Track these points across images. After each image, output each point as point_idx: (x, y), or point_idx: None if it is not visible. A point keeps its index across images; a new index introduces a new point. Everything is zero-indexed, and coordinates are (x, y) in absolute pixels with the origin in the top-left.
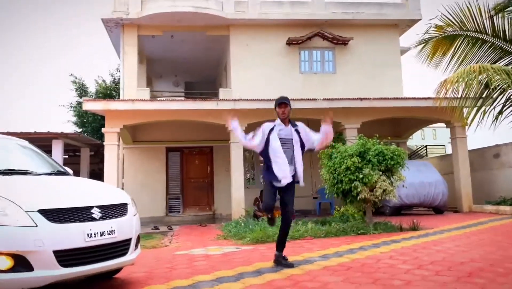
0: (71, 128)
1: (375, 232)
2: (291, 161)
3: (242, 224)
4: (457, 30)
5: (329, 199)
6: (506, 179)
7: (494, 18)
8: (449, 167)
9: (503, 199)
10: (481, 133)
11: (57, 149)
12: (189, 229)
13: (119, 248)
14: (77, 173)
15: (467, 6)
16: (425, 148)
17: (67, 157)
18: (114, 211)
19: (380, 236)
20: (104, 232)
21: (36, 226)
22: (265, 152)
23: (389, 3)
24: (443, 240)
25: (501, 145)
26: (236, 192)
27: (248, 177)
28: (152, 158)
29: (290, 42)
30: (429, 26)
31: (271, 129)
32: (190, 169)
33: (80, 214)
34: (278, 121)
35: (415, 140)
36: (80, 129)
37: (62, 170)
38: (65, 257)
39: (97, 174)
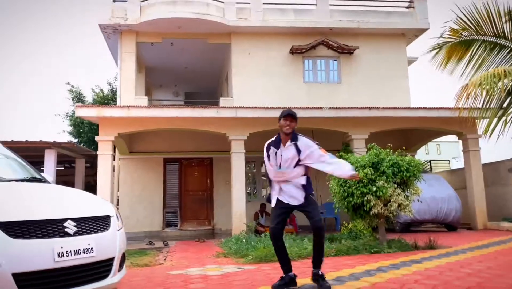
0: (66, 138)
1: (389, 250)
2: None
3: (244, 240)
4: (474, 35)
5: (335, 214)
6: None
7: None
8: (461, 181)
9: None
10: (488, 146)
11: (50, 159)
12: (186, 245)
13: (99, 269)
14: (71, 185)
15: (485, 8)
16: (429, 163)
17: (62, 168)
18: (93, 224)
19: (396, 255)
20: (80, 250)
21: None
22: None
23: (396, 11)
24: (469, 260)
25: None
26: (237, 206)
27: (249, 190)
28: (149, 169)
29: (293, 51)
30: (444, 29)
31: (268, 147)
32: (189, 181)
33: (50, 228)
34: (277, 138)
35: (419, 155)
36: (76, 140)
37: (38, 177)
38: (28, 281)
39: (92, 186)
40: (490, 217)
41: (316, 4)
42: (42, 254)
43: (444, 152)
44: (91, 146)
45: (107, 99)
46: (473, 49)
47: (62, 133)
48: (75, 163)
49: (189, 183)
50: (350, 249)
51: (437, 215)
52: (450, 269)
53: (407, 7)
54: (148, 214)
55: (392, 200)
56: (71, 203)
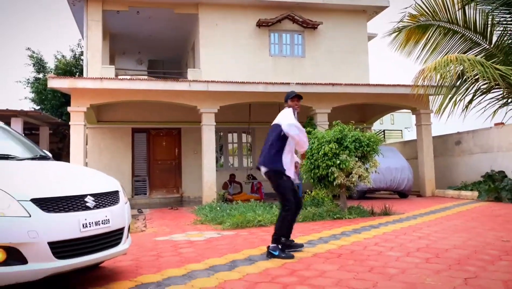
0: (28, 105)
1: (350, 216)
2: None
3: (218, 208)
4: (430, 20)
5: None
6: (466, 165)
7: (466, 8)
8: (413, 152)
9: (464, 184)
10: (439, 120)
11: (17, 128)
12: (160, 212)
13: (113, 237)
14: None
15: None
16: (383, 132)
17: (23, 135)
18: (107, 199)
19: (356, 220)
20: (99, 221)
21: (30, 216)
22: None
23: None
24: (419, 225)
25: (462, 133)
26: (208, 175)
27: (216, 159)
28: (118, 139)
29: (260, 24)
30: (403, 15)
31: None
32: (157, 150)
33: (74, 203)
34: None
35: (374, 125)
36: (39, 107)
37: (43, 154)
38: (60, 248)
39: (57, 153)
40: (438, 185)
41: None
42: (70, 225)
43: (397, 122)
44: (55, 113)
45: (70, 66)
46: (429, 33)
47: (24, 100)
48: (39, 130)
49: (157, 153)
50: (315, 216)
51: (391, 183)
52: (404, 233)
53: None
54: None
55: (353, 172)
56: (86, 180)
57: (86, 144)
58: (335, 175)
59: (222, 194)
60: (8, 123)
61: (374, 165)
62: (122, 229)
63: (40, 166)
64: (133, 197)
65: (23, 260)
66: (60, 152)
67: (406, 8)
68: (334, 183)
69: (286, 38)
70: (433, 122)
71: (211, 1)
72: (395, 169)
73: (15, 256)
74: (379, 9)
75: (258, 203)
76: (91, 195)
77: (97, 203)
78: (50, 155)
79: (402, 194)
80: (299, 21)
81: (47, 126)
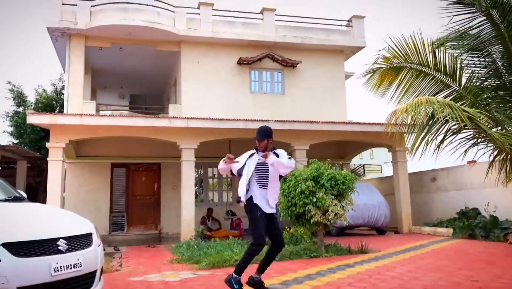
0: (6, 139)
1: (327, 254)
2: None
3: (195, 246)
4: (403, 62)
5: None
6: (442, 201)
7: (436, 52)
8: (390, 188)
9: (440, 220)
10: (412, 159)
11: None
12: (137, 250)
13: (85, 281)
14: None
15: (412, 39)
16: (362, 167)
17: (0, 169)
18: (80, 242)
19: (333, 259)
20: (71, 265)
21: (0, 261)
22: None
23: (336, 29)
24: (394, 264)
25: (438, 170)
26: (186, 213)
27: (196, 194)
28: (96, 174)
29: (241, 62)
30: (377, 57)
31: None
32: (136, 185)
33: (46, 247)
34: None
35: (353, 160)
36: (17, 141)
37: (18, 195)
38: None
39: (34, 188)
40: (414, 221)
41: (262, 19)
42: (41, 270)
43: (376, 157)
44: (33, 147)
45: (51, 100)
46: (402, 75)
47: (2, 134)
48: (17, 164)
49: (136, 188)
50: (292, 254)
51: (369, 220)
52: (378, 272)
53: (346, 25)
54: (94, 217)
55: (330, 210)
56: (60, 223)
57: (65, 179)
58: (312, 213)
59: (200, 231)
60: None
61: (350, 203)
62: (94, 272)
63: (13, 209)
64: (110, 233)
65: None
66: (38, 186)
67: (380, 50)
68: (311, 221)
69: (266, 75)
70: (408, 160)
71: (193, 39)
72: (372, 206)
73: None
74: (356, 49)
75: (236, 240)
76: (63, 238)
77: (70, 246)
78: (24, 195)
79: (380, 230)
80: (279, 60)
81: (24, 160)
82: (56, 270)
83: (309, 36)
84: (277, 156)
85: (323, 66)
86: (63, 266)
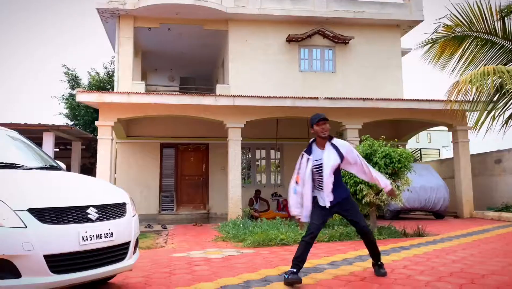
0: (62, 120)
1: (380, 237)
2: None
3: (241, 225)
4: (466, 31)
5: None
6: (508, 185)
7: (506, 20)
8: (449, 171)
9: (505, 205)
10: (477, 138)
11: (48, 142)
12: (184, 228)
13: (117, 252)
14: (68, 168)
15: (477, 6)
16: (419, 151)
17: (57, 150)
18: (112, 211)
19: (386, 241)
20: (101, 234)
21: (25, 227)
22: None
23: (391, 2)
24: (454, 248)
25: (503, 151)
26: (233, 192)
27: (244, 176)
28: (146, 154)
29: (290, 39)
30: (438, 25)
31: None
32: (185, 166)
33: (75, 214)
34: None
35: (410, 143)
36: (72, 122)
37: (55, 164)
38: (57, 262)
39: (88, 168)
40: (476, 206)
41: None
42: (69, 238)
43: (434, 140)
44: (87, 128)
45: (103, 83)
46: (466, 45)
47: (58, 115)
48: (72, 145)
49: (185, 168)
50: (342, 235)
51: (426, 203)
52: (436, 256)
53: None
54: (145, 197)
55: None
56: (91, 191)
57: (116, 158)
58: (364, 193)
59: (248, 211)
60: (40, 138)
61: (406, 183)
62: (127, 244)
63: (45, 176)
64: (160, 212)
65: (16, 274)
66: (92, 166)
67: (440, 18)
68: (363, 201)
69: (317, 53)
70: (471, 140)
71: (240, 17)
72: (430, 188)
73: (8, 269)
74: (413, 24)
75: (283, 221)
76: (94, 206)
77: (100, 215)
78: (63, 166)
79: (438, 215)
80: (330, 36)
81: (79, 142)
82: (85, 239)
83: (362, 10)
84: (336, 148)
85: (377, 42)
86: (93, 236)
